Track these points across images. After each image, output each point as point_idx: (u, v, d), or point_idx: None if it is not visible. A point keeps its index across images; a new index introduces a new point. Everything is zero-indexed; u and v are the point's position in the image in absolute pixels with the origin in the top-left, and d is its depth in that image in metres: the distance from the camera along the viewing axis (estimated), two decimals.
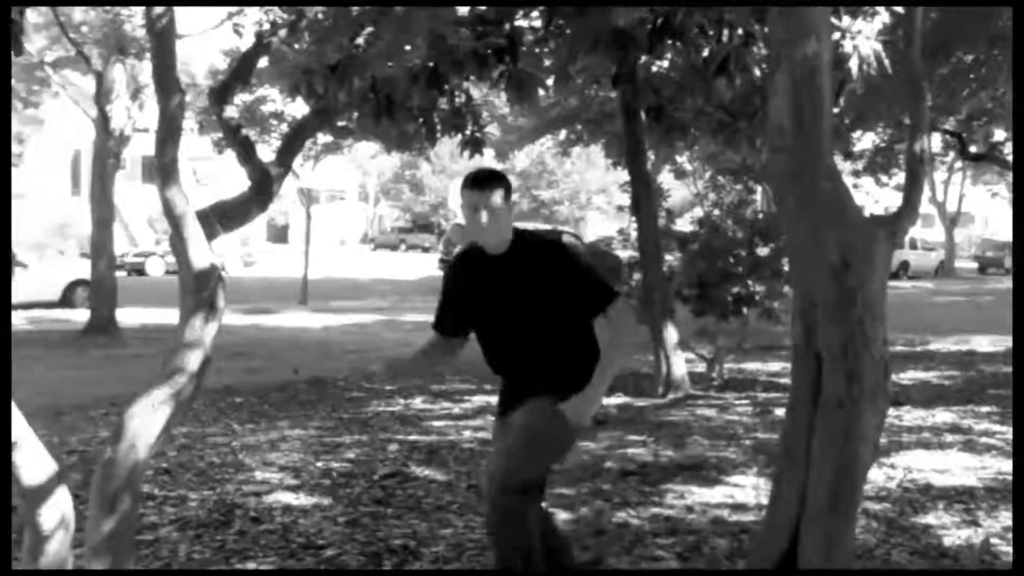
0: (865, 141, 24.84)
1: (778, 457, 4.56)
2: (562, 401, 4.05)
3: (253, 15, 10.60)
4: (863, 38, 7.33)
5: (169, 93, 4.05)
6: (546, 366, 4.20)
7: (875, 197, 25.53)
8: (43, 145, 41.46)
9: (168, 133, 4.04)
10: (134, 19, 17.64)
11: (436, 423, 9.55)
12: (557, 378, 4.14)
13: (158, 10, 3.98)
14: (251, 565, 5.26)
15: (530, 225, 39.93)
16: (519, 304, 4.18)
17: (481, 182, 4.13)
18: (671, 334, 11.20)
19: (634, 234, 12.15)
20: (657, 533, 5.76)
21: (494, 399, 10.94)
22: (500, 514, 3.99)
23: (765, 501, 5.23)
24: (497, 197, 4.11)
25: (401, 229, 70.45)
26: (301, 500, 6.55)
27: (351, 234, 69.82)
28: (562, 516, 6.11)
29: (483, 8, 8.67)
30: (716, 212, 12.93)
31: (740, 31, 8.29)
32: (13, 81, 19.16)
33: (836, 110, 8.64)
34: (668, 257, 12.25)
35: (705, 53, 8.83)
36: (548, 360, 4.20)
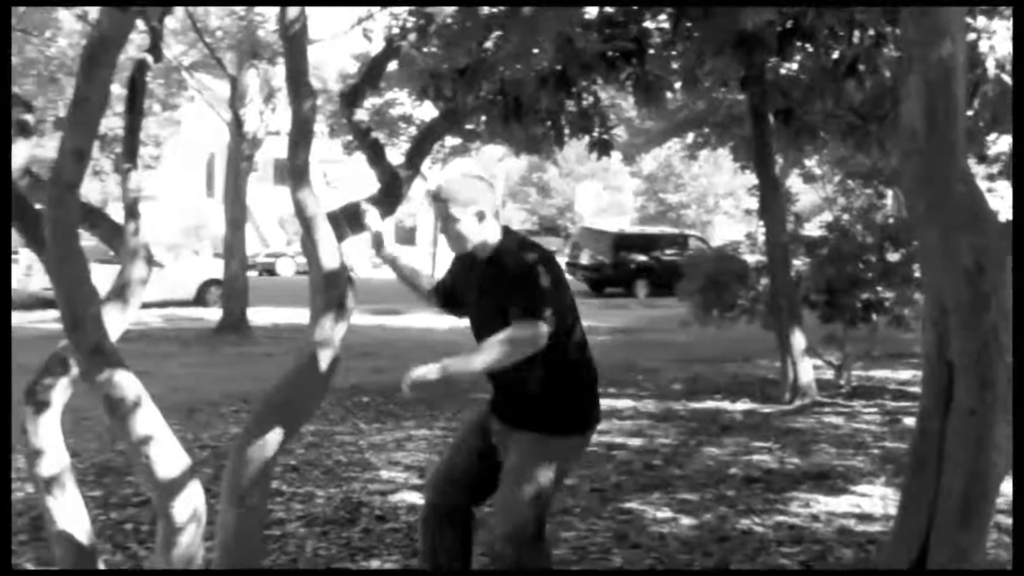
0: (1001, 144, 24.16)
1: (907, 467, 4.47)
2: (541, 434, 3.87)
3: (383, 20, 10.75)
4: (1000, 38, 7.15)
5: (301, 97, 4.11)
6: (508, 382, 3.98)
7: (1011, 202, 24.80)
8: (179, 148, 42.43)
9: (300, 136, 4.10)
10: (268, 24, 18.02)
11: None
12: (518, 399, 3.95)
13: (291, 14, 4.05)
14: (375, 563, 5.33)
15: (655, 229, 39.72)
16: (481, 313, 4.05)
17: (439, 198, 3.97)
18: (798, 340, 11.06)
19: (762, 238, 12.00)
20: (781, 541, 5.69)
21: (619, 403, 10.91)
22: (519, 567, 3.85)
23: (893, 512, 5.14)
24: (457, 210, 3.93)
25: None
26: None
27: None
28: (685, 521, 6.08)
29: (611, 10, 8.67)
30: (845, 216, 12.71)
31: (871, 32, 8.16)
32: (152, 85, 19.71)
33: (970, 112, 8.43)
34: (796, 262, 12.08)
35: (835, 55, 8.71)
36: (508, 376, 3.93)
